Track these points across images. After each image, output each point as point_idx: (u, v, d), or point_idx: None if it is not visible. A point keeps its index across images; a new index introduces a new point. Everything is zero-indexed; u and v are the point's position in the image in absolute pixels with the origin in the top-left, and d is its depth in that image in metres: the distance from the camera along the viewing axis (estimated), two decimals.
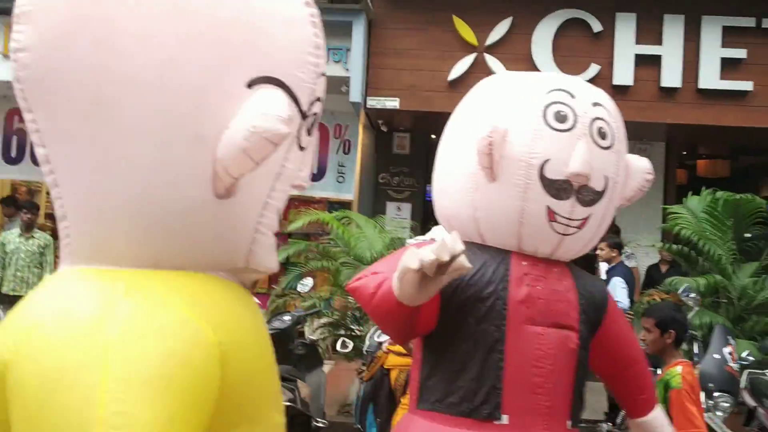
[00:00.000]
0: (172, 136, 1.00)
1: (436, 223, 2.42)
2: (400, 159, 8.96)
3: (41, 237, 6.89)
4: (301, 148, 1.19)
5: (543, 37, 7.43)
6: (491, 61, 7.44)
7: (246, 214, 1.11)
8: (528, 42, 7.44)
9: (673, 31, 7.35)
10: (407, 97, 7.57)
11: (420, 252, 1.48)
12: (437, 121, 8.62)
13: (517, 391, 1.88)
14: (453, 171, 2.06)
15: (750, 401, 4.89)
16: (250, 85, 1.03)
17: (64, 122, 1.01)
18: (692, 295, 4.91)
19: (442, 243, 1.44)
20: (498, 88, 2.09)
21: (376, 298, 1.77)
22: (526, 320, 1.93)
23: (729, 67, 7.33)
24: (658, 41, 7.39)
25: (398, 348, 3.82)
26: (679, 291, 5.05)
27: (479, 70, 7.35)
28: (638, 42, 7.39)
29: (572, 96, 1.96)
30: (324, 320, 6.55)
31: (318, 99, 1.18)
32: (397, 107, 7.62)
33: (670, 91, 7.30)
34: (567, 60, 7.24)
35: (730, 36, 7.34)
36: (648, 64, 7.38)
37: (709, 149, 9.24)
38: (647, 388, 2.23)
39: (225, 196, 1.05)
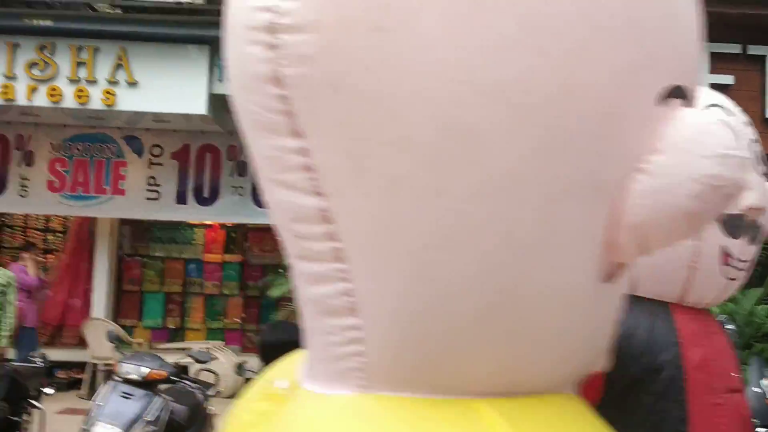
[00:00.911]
0: (564, 185, 0.59)
1: None
2: None
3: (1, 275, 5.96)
4: None
5: None
6: None
7: (618, 299, 0.73)
8: None
9: None
10: None
11: None
12: None
13: None
14: None
15: None
16: (662, 99, 0.63)
17: (380, 161, 0.58)
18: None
19: None
20: None
21: None
22: (706, 389, 1.61)
23: None
24: None
25: None
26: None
27: None
28: None
29: (731, 113, 1.65)
30: None
31: None
32: None
33: None
34: None
35: None
36: None
37: None
38: None
39: (610, 278, 0.67)
